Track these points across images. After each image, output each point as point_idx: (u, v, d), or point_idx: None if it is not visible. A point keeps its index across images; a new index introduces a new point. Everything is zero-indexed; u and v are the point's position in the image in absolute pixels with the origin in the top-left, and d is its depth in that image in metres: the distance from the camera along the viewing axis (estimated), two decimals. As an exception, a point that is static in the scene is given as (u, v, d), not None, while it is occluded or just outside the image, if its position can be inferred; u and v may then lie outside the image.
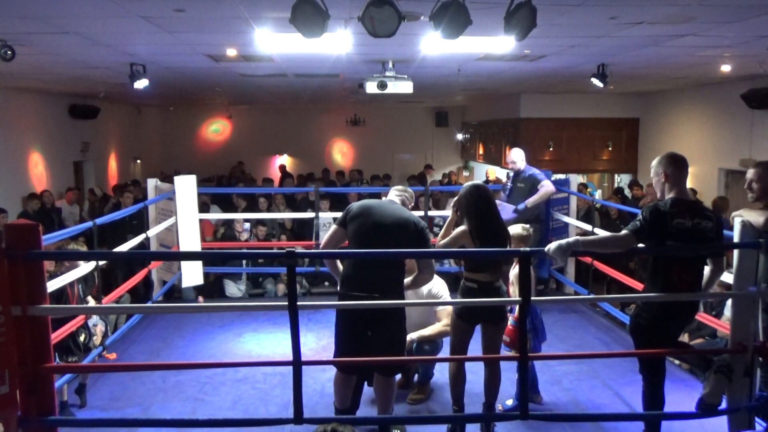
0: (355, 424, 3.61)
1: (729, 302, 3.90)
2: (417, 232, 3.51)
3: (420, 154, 17.47)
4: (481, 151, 15.26)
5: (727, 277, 3.56)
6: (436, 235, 5.64)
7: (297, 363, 2.95)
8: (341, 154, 17.97)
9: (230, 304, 6.96)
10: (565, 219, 6.82)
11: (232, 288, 7.37)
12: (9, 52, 5.45)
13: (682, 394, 4.12)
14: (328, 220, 7.17)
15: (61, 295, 4.05)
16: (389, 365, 3.57)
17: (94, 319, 4.63)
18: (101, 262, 4.99)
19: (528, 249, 3.28)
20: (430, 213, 7.19)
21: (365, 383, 3.87)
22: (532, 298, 3.14)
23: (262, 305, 6.80)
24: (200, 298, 6.93)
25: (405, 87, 6.81)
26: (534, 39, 4.78)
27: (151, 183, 6.87)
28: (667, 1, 4.29)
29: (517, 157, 6.19)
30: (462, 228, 3.63)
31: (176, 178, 6.45)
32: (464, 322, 3.63)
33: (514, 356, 3.67)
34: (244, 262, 7.55)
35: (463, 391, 3.71)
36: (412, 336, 4.13)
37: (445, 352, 4.25)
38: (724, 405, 3.25)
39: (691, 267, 3.17)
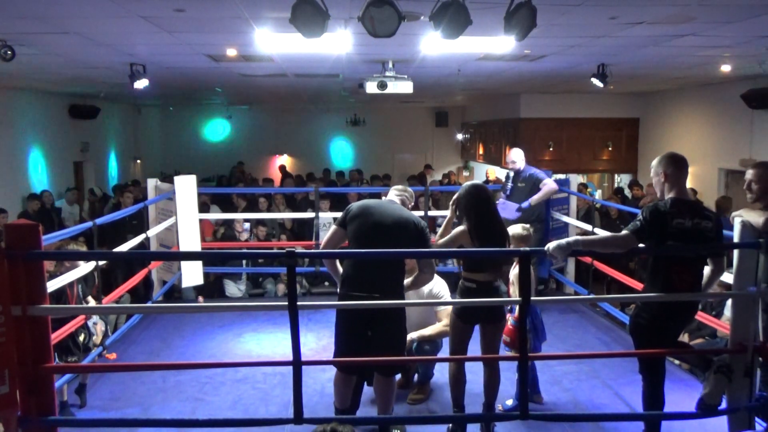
0: (355, 424, 3.60)
1: (729, 302, 3.90)
2: (417, 231, 3.51)
3: (420, 154, 17.47)
4: (481, 151, 15.26)
5: (727, 277, 3.56)
6: (437, 235, 5.65)
7: (297, 363, 2.95)
8: (341, 154, 17.99)
9: (230, 304, 6.96)
10: (565, 219, 6.82)
11: (232, 288, 7.38)
12: (9, 52, 5.45)
13: (682, 394, 4.12)
14: (328, 220, 7.16)
15: (60, 295, 4.04)
16: (389, 365, 3.57)
17: (94, 318, 4.63)
18: (101, 262, 4.99)
19: (528, 249, 3.28)
20: (431, 213, 7.20)
21: (365, 383, 3.87)
22: (532, 298, 3.14)
23: (262, 305, 6.80)
24: (200, 298, 6.93)
25: (405, 87, 6.82)
26: (534, 39, 4.79)
27: (151, 183, 6.87)
28: (667, 1, 4.29)
29: (516, 157, 6.19)
30: (461, 228, 3.63)
31: (176, 178, 6.45)
32: (463, 321, 3.63)
33: (514, 356, 3.67)
34: (244, 262, 7.54)
35: (463, 394, 3.70)
36: (412, 335, 4.13)
37: (444, 352, 4.25)
38: (724, 405, 3.25)
39: (691, 267, 3.17)
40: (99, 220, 4.84)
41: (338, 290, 3.61)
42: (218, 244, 7.56)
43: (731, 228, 3.38)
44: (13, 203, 9.16)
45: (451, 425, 3.72)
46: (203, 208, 7.95)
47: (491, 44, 5.89)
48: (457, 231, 3.63)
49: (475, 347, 3.74)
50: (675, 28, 5.19)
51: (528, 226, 4.24)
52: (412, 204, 3.92)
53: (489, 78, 8.96)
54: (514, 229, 4.03)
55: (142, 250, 5.95)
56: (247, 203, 8.80)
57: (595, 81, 7.47)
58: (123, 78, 7.54)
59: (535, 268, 5.40)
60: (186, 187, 6.37)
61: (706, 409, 3.16)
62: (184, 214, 6.31)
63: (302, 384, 2.98)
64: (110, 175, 14.22)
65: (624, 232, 3.15)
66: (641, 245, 3.16)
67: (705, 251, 3.21)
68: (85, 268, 4.39)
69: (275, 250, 7.05)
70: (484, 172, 14.09)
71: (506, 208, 5.98)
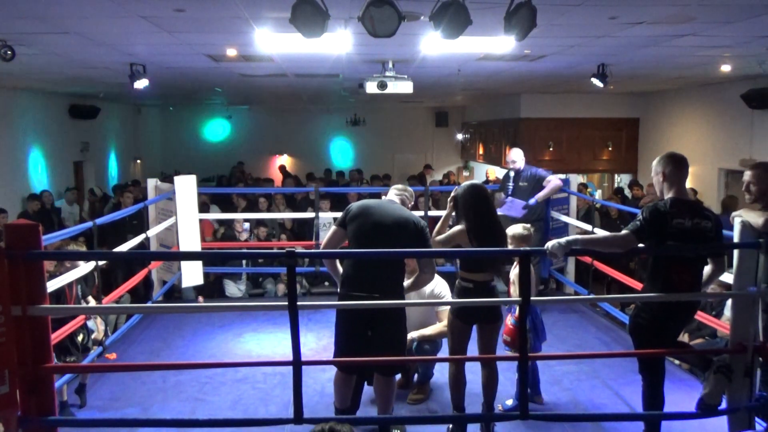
0: (355, 424, 3.61)
1: (729, 302, 3.90)
2: (417, 231, 3.51)
3: (420, 154, 17.46)
4: (481, 151, 15.26)
5: (727, 277, 3.56)
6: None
7: (297, 363, 2.95)
8: (341, 154, 17.99)
9: (230, 304, 6.96)
10: (565, 219, 6.82)
11: (232, 288, 7.38)
12: (9, 52, 5.45)
13: (682, 394, 4.12)
14: (328, 220, 7.17)
15: (60, 295, 4.04)
16: (389, 365, 3.57)
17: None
18: (101, 262, 4.99)
19: (528, 248, 3.27)
20: (431, 213, 7.19)
21: (365, 383, 3.87)
22: (532, 298, 3.14)
23: (262, 305, 6.80)
24: (200, 298, 6.93)
25: (405, 87, 6.82)
26: (534, 39, 4.78)
27: (151, 183, 6.87)
28: (667, 1, 4.29)
29: (517, 156, 6.20)
30: (459, 227, 3.62)
31: (176, 178, 6.45)
32: (461, 322, 3.62)
33: (514, 356, 3.66)
34: (244, 262, 7.55)
35: (463, 396, 3.69)
36: (412, 335, 4.13)
37: (444, 352, 4.25)
38: (724, 405, 3.25)
39: (691, 267, 3.17)
40: (99, 220, 4.84)
41: (338, 290, 3.61)
42: (218, 244, 7.56)
43: (731, 228, 3.39)
44: (13, 203, 9.17)
45: (451, 425, 3.72)
46: (203, 208, 7.96)
47: (491, 44, 5.89)
48: (454, 230, 3.62)
49: (474, 347, 3.74)
50: (675, 28, 5.19)
51: (528, 225, 4.23)
52: (412, 204, 3.91)
53: (489, 78, 8.95)
54: (515, 229, 4.01)
55: (142, 250, 5.95)
56: (247, 203, 8.81)
57: (595, 81, 7.47)
58: (123, 78, 7.54)
59: (537, 268, 5.41)
60: (186, 187, 6.37)
61: (706, 409, 3.16)
62: (184, 214, 6.31)
63: (302, 384, 2.98)
64: (110, 175, 14.23)
65: (624, 231, 3.15)
66: (641, 245, 3.16)
67: (705, 251, 3.21)
68: (85, 268, 4.39)
69: (275, 250, 7.05)
70: (484, 172, 14.08)
71: (513, 206, 6.00)
